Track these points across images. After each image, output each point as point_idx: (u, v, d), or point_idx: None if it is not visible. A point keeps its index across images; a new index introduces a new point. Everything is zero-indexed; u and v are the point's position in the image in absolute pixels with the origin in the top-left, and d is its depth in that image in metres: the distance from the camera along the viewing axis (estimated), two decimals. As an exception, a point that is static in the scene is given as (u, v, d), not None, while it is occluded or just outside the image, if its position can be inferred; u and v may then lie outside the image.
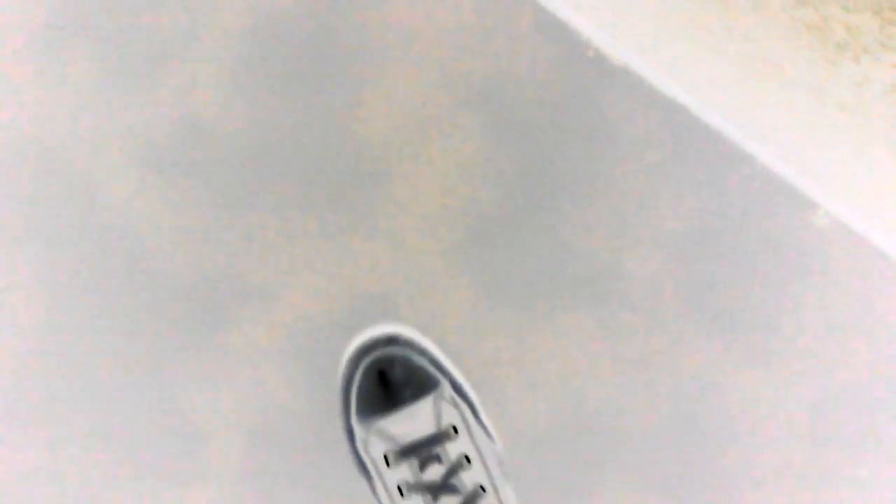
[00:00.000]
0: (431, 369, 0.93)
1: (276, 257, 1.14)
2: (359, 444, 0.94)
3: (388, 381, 0.90)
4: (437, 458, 0.86)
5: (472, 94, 1.14)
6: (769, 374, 1.14)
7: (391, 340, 0.96)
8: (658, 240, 1.14)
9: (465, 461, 0.88)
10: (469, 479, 0.87)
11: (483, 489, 0.88)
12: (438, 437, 0.87)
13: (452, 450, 0.88)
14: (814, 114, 0.84)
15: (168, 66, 1.13)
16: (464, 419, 0.91)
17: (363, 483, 1.02)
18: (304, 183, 1.14)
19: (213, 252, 1.14)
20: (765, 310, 1.14)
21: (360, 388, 0.93)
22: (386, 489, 0.90)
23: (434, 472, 0.86)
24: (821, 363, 1.13)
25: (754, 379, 1.14)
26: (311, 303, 1.14)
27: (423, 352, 0.96)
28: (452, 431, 0.89)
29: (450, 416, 0.90)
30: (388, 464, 0.88)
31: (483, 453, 0.91)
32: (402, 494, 0.88)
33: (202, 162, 1.14)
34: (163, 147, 1.13)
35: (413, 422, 0.87)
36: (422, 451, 0.86)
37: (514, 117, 1.13)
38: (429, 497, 0.85)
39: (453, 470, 0.86)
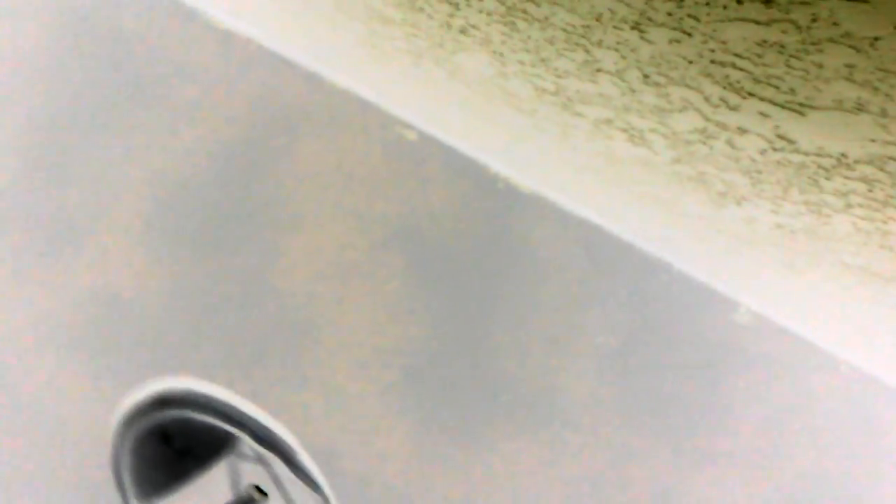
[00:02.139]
0: (222, 425, 0.75)
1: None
2: None
3: (167, 451, 0.69)
4: None
5: (389, 234, 1.16)
6: (719, 474, 1.14)
7: (163, 402, 0.75)
8: (590, 355, 1.15)
9: None
10: None
11: None
12: None
13: None
14: (713, 238, 0.87)
15: (78, 241, 1.12)
16: (273, 475, 0.73)
17: None
18: (229, 342, 1.12)
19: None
20: (704, 411, 1.15)
21: (135, 467, 0.73)
22: None
23: None
24: (766, 457, 1.14)
25: (705, 480, 1.14)
26: (249, 465, 1.10)
27: (207, 405, 0.75)
28: (258, 494, 0.72)
29: (253, 477, 0.71)
30: None
31: None
32: None
33: (122, 333, 1.11)
34: (80, 323, 1.10)
35: (205, 496, 0.67)
36: None
37: (434, 253, 1.15)
38: None
39: None
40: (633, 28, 0.45)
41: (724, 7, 0.38)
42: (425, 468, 1.11)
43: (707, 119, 0.53)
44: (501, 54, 0.61)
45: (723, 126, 0.53)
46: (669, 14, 0.41)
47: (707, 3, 0.39)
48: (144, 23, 1.14)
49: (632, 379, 1.15)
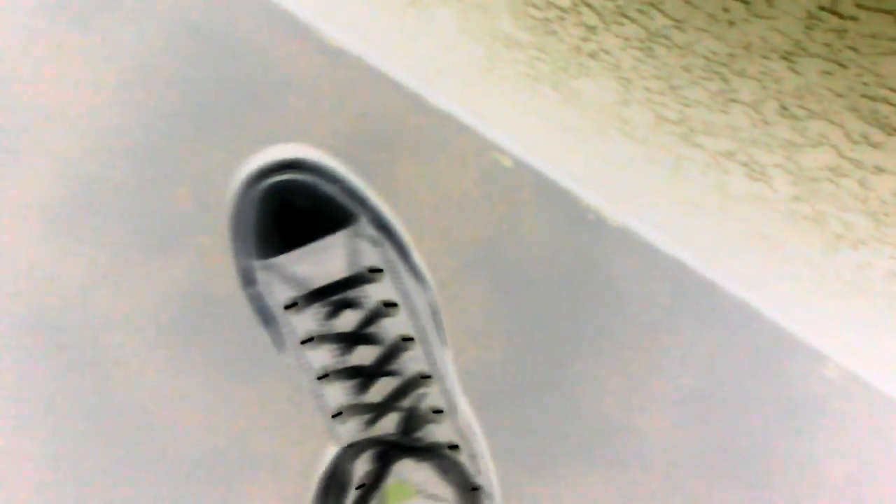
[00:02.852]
0: (346, 201, 0.74)
1: (285, 427, 1.12)
2: (259, 288, 0.76)
3: (291, 212, 0.72)
4: (353, 304, 0.70)
5: (477, 257, 1.17)
6: (796, 533, 1.10)
7: (293, 165, 0.75)
8: (670, 397, 1.13)
9: (387, 308, 0.72)
10: (392, 328, 0.72)
11: (409, 340, 0.73)
12: (354, 280, 0.71)
13: (372, 294, 0.71)
14: (815, 284, 0.86)
15: (181, 241, 1.16)
16: (387, 260, 0.74)
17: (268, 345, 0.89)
18: (314, 350, 1.14)
19: (224, 423, 1.13)
20: (783, 465, 1.11)
21: (258, 222, 0.74)
22: (291, 340, 0.75)
23: (348, 320, 0.70)
24: (847, 520, 1.10)
25: (781, 537, 1.10)
26: (320, 473, 1.12)
27: (334, 179, 0.75)
28: (373, 273, 0.73)
29: (370, 257, 0.73)
30: (293, 310, 0.72)
31: (412, 300, 0.75)
32: (309, 345, 0.75)
33: (212, 334, 1.15)
34: (173, 321, 1.14)
35: (323, 261, 0.70)
36: (334, 294, 0.70)
37: (519, 279, 1.15)
38: (341, 348, 0.71)
39: (372, 317, 0.71)
40: (782, 58, 0.45)
41: (892, 39, 0.38)
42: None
43: (842, 156, 0.53)
44: (628, 80, 0.62)
45: (858, 164, 0.52)
46: (827, 45, 0.42)
47: (872, 36, 0.39)
48: (259, 35, 1.19)
49: (711, 425, 1.12)
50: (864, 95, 0.45)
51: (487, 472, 0.87)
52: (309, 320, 0.71)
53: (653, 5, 0.49)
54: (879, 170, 0.52)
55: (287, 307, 0.72)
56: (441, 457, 0.77)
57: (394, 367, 0.73)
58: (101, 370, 1.14)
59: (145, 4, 1.23)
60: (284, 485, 1.13)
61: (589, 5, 0.54)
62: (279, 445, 1.13)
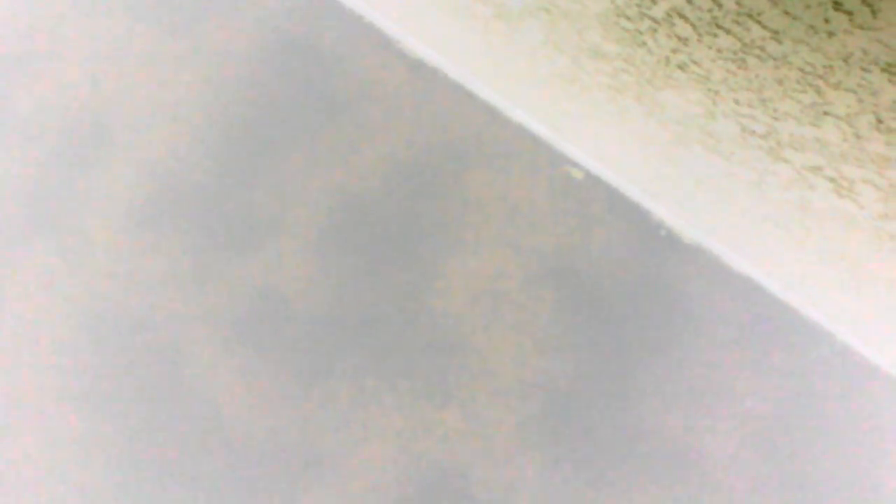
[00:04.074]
0: None
1: (350, 427, 1.15)
2: None
3: None
4: None
5: (545, 269, 1.18)
6: (865, 567, 1.06)
7: None
8: (737, 418, 1.11)
9: None
10: None
11: None
12: None
13: None
14: (894, 308, 0.84)
15: (256, 242, 1.21)
16: None
17: None
18: (380, 353, 1.17)
19: (289, 422, 1.16)
20: (853, 492, 1.08)
21: None
22: None
23: None
24: (922, 557, 1.06)
25: (848, 571, 1.06)
26: (382, 473, 1.14)
27: None
28: None
29: None
30: None
31: None
32: None
33: (282, 333, 1.18)
34: (246, 318, 1.19)
35: None
36: None
37: (587, 292, 1.16)
38: None
39: None
40: (883, 70, 0.46)
41: None
42: (553, 505, 1.10)
43: (938, 171, 0.52)
44: (717, 92, 0.62)
45: (954, 180, 0.52)
46: (932, 56, 0.42)
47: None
48: (342, 46, 1.23)
49: (778, 450, 1.10)
50: (967, 109, 0.45)
51: None
52: None
53: (750, 17, 0.50)
54: (978, 186, 0.51)
55: None
56: None
57: None
58: (175, 361, 1.19)
59: (237, 14, 1.28)
60: (347, 482, 1.15)
61: (683, 17, 0.55)
62: (342, 444, 1.16)
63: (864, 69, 0.47)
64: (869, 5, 0.43)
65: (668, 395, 1.12)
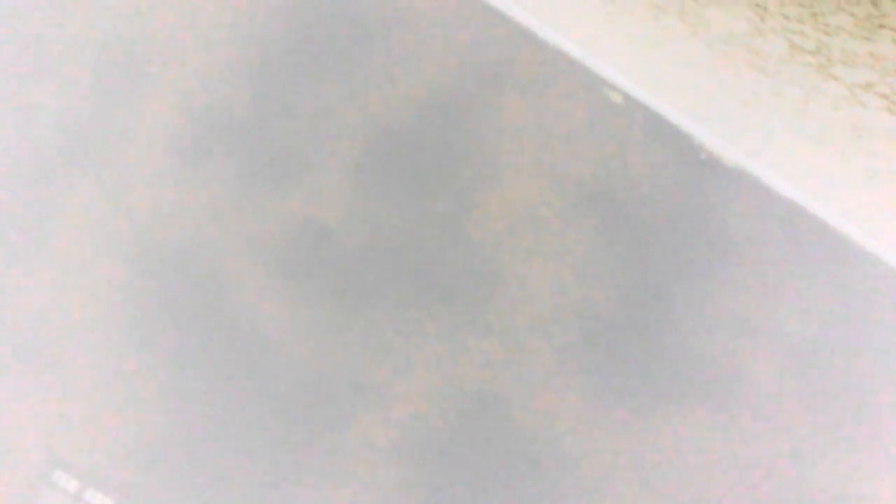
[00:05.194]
0: None
1: (392, 356, 1.18)
2: None
3: None
4: None
5: (584, 196, 1.16)
6: (906, 485, 1.07)
7: None
8: (780, 342, 1.11)
9: None
10: None
11: None
12: None
13: None
14: (951, 227, 0.81)
15: (296, 174, 1.22)
16: None
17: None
18: (421, 283, 1.18)
19: (332, 351, 1.19)
20: (895, 417, 1.08)
21: None
22: None
23: None
24: (964, 476, 1.06)
25: (888, 489, 1.07)
26: (425, 402, 1.17)
27: None
28: None
29: None
30: None
31: None
32: None
33: (324, 264, 1.20)
34: (288, 250, 1.21)
35: None
36: None
37: (626, 218, 1.14)
38: None
39: None
40: (946, -23, 0.43)
41: None
42: (594, 431, 1.12)
43: None
44: (765, 8, 0.59)
45: None
46: None
47: None
48: (372, -27, 1.20)
49: (822, 373, 1.10)
50: None
51: None
52: None
53: (803, -76, 0.47)
54: None
55: None
56: None
57: None
58: (219, 293, 1.22)
59: (262, -57, 1.26)
60: (389, 411, 1.19)
61: (730, -73, 0.52)
62: (386, 373, 1.19)
63: (925, -23, 0.44)
64: None
65: (709, 320, 1.12)
